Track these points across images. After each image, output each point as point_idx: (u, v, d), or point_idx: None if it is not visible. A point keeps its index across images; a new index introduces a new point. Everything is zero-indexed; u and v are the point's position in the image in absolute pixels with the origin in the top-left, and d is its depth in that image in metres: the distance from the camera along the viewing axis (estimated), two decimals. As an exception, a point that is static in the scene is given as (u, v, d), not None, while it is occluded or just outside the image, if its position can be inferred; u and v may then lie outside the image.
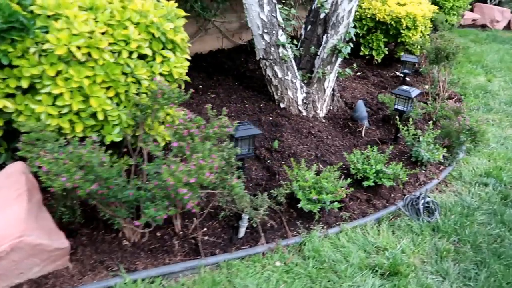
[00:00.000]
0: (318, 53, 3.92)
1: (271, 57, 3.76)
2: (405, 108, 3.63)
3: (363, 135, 3.95)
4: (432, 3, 8.20)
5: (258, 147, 3.50)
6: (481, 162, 3.80)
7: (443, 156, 3.58)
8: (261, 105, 4.14)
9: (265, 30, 3.60)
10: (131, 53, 2.34)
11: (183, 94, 2.35)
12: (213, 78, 4.69)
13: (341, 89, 5.00)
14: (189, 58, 2.64)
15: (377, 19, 5.61)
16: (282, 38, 3.68)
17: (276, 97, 4.08)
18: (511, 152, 4.00)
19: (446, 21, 7.79)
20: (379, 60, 5.81)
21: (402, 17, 5.49)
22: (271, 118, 3.92)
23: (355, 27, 5.88)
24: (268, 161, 3.36)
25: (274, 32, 3.61)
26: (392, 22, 5.55)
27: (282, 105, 4.07)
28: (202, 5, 4.47)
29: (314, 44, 4.04)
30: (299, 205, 2.68)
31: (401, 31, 5.57)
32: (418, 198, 3.04)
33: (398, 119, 3.61)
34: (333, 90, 4.31)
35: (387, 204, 3.08)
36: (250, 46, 5.37)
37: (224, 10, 5.43)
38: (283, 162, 3.38)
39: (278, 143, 3.57)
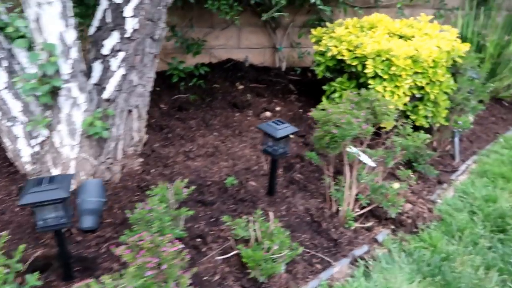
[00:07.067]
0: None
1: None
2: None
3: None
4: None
5: None
6: None
7: None
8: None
9: None
10: None
11: None
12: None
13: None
14: None
15: (332, 55, 3.30)
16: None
17: (5, 143, 2.65)
18: None
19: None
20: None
21: (368, 55, 3.05)
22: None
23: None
24: None
25: None
26: (356, 63, 3.16)
27: (10, 157, 2.62)
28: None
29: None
30: None
31: (368, 81, 3.11)
32: None
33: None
34: (111, 157, 2.54)
35: None
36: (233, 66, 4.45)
37: (200, 17, 4.15)
38: None
39: None
